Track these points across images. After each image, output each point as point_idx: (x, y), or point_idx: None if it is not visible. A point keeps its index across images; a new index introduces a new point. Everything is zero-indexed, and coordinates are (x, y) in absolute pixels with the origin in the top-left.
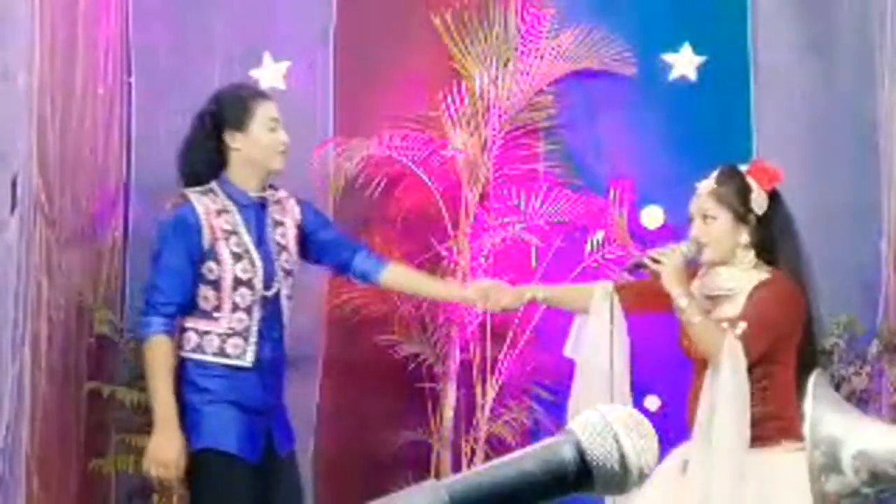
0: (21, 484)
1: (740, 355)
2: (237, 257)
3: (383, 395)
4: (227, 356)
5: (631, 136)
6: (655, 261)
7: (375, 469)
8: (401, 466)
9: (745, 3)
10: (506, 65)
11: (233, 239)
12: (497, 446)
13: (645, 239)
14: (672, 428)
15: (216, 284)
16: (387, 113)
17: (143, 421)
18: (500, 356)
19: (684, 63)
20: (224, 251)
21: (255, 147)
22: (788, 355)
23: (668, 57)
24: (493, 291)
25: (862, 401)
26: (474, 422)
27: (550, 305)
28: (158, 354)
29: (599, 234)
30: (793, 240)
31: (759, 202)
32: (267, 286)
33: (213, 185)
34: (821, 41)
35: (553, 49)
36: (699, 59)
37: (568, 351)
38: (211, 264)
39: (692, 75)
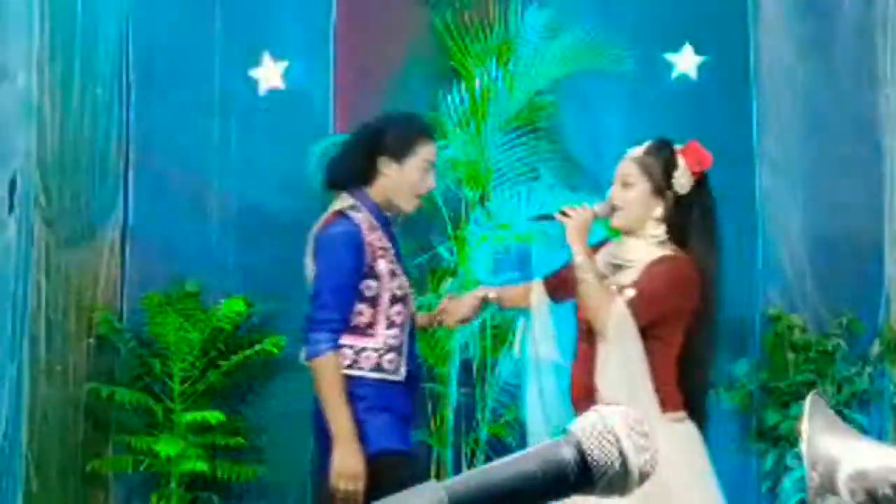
0: (20, 484)
1: (630, 321)
2: (393, 274)
3: None
4: (384, 371)
5: (631, 135)
6: (564, 214)
7: None
8: None
9: (747, 2)
10: (506, 64)
11: (388, 256)
12: (497, 447)
13: None
14: None
15: (373, 301)
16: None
17: (142, 422)
18: (500, 356)
19: (685, 62)
20: (383, 268)
21: (402, 182)
22: (673, 336)
23: (670, 56)
24: (449, 305)
25: (864, 401)
26: (474, 422)
27: (501, 306)
28: (331, 371)
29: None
30: (709, 228)
31: (681, 181)
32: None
33: (354, 200)
34: (822, 41)
35: (553, 49)
36: (700, 59)
37: (516, 350)
38: (369, 282)
39: (693, 75)
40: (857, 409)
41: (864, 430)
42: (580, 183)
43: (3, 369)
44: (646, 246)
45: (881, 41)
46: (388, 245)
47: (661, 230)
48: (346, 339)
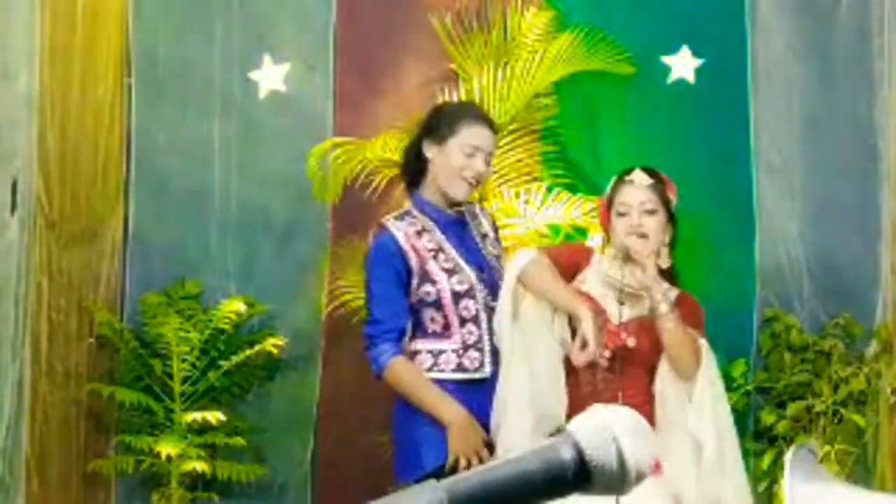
0: (21, 484)
1: (714, 361)
2: (450, 272)
3: (383, 394)
4: (465, 370)
5: (630, 138)
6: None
7: (375, 469)
8: None
9: (744, 4)
10: (505, 66)
11: (440, 256)
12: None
13: None
14: None
15: (437, 304)
16: (386, 115)
17: (143, 422)
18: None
19: (683, 65)
20: (435, 270)
21: (445, 165)
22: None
23: (667, 59)
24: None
25: (860, 402)
26: None
27: None
28: (405, 370)
29: (599, 236)
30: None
31: (672, 207)
32: (493, 296)
33: (408, 206)
34: (819, 43)
35: (552, 50)
36: (698, 62)
37: None
38: (427, 287)
39: (691, 77)
40: (853, 410)
41: (860, 431)
42: (579, 185)
43: (4, 369)
44: (653, 276)
45: (878, 44)
46: (444, 244)
47: (666, 257)
48: (422, 344)
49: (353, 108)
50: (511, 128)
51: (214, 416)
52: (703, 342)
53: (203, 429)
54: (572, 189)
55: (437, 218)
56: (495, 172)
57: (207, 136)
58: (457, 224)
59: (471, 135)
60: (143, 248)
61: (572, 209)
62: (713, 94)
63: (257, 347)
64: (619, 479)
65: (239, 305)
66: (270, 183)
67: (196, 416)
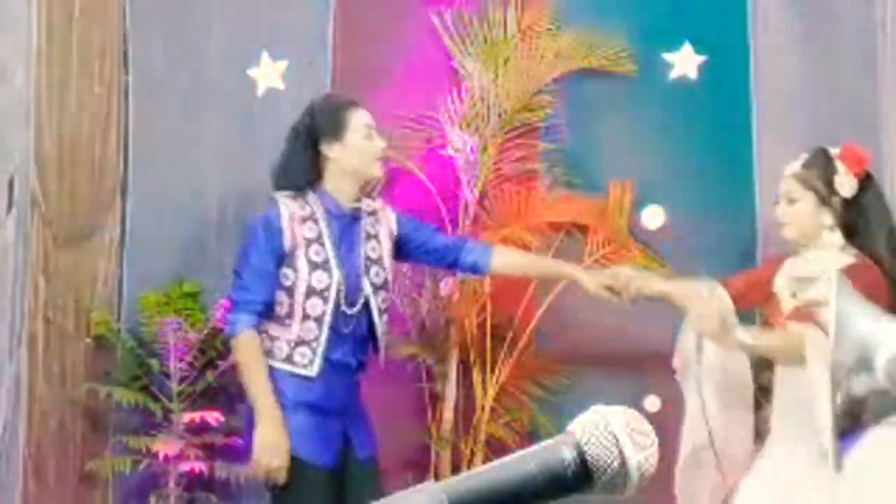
0: (18, 485)
1: (826, 346)
2: (314, 266)
3: (383, 395)
4: (294, 364)
5: (631, 135)
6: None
7: None
8: (400, 467)
9: (746, 2)
10: (505, 64)
11: (313, 247)
12: (496, 448)
13: (645, 239)
14: (673, 428)
15: (290, 291)
16: (385, 113)
17: (141, 422)
18: (500, 356)
19: (685, 62)
20: (301, 259)
21: (353, 155)
22: None
23: (669, 56)
24: (623, 279)
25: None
26: (474, 423)
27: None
28: (251, 349)
29: (599, 235)
30: (886, 224)
31: (845, 185)
32: (351, 302)
33: (309, 192)
34: (822, 40)
35: (553, 48)
36: (700, 59)
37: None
38: (287, 271)
39: (693, 74)
40: None
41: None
42: (580, 183)
43: (1, 369)
44: (826, 255)
45: (881, 41)
46: (323, 238)
47: (836, 236)
48: (266, 326)
49: None
50: (511, 126)
51: (212, 417)
52: (811, 331)
53: (201, 429)
54: (573, 187)
55: (331, 210)
56: (496, 171)
57: (205, 134)
58: (348, 221)
59: (360, 118)
60: (140, 248)
61: (573, 207)
62: (715, 92)
63: None
64: (621, 480)
65: None
66: (269, 182)
67: (194, 416)
